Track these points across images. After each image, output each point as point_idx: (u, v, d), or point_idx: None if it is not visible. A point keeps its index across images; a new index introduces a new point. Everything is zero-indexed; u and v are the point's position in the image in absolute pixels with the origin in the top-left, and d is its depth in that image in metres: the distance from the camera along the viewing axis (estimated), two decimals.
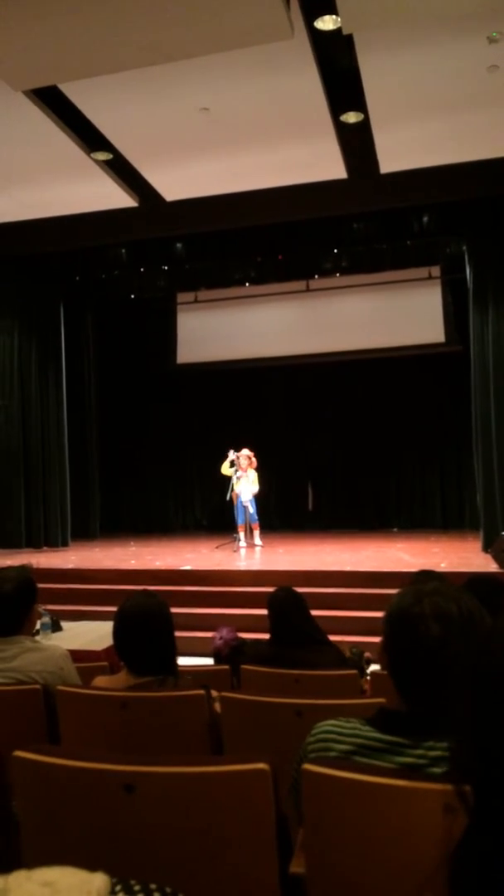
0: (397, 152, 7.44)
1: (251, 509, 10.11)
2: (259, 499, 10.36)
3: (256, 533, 10.25)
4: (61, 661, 2.64)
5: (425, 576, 3.39)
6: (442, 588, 1.39)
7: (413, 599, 1.37)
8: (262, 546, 10.08)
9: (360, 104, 6.60)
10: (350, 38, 5.56)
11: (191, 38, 5.13)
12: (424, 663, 1.32)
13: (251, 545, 10.09)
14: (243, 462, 10.12)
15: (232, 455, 10.12)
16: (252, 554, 9.66)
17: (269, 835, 1.35)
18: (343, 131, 7.12)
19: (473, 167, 7.70)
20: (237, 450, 10.25)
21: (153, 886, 0.79)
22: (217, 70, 5.86)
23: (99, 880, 0.64)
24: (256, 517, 10.23)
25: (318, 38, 5.66)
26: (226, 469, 10.16)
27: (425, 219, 9.41)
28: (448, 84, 6.20)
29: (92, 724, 2.27)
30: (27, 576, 2.66)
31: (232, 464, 10.20)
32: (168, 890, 0.80)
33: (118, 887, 0.76)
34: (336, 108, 6.72)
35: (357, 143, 7.34)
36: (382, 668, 1.43)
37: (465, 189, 8.27)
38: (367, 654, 3.84)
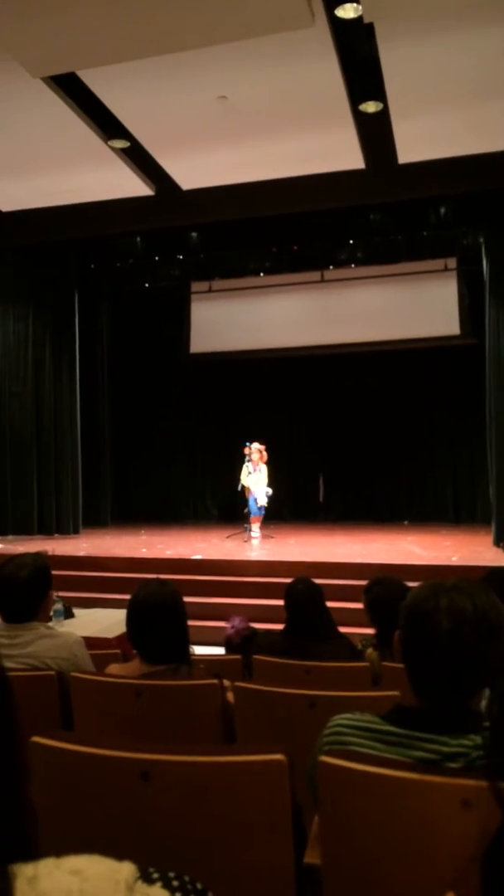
0: (416, 143, 7.37)
1: (263, 503, 10.13)
2: (270, 492, 10.35)
3: (256, 525, 10.26)
4: (75, 648, 2.65)
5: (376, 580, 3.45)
6: (461, 584, 1.39)
7: (429, 594, 1.38)
8: (259, 537, 10.07)
9: (379, 94, 6.55)
10: (371, 26, 5.51)
11: (210, 26, 5.10)
12: (434, 657, 1.33)
13: (264, 536, 10.09)
14: (255, 455, 10.12)
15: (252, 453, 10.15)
16: (263, 545, 9.67)
17: (284, 825, 1.36)
18: (361, 121, 7.07)
19: (492, 158, 7.63)
20: (248, 442, 10.25)
21: (171, 874, 0.80)
22: (235, 58, 5.82)
23: (126, 869, 0.65)
24: (263, 510, 10.24)
25: (338, 26, 5.61)
26: (245, 477, 10.19)
27: (442, 210, 9.34)
28: (469, 74, 6.14)
29: (106, 712, 2.29)
30: (43, 563, 2.67)
31: (243, 455, 10.22)
32: (186, 878, 0.81)
33: (137, 874, 0.76)
34: (355, 97, 6.67)
35: (375, 134, 7.29)
36: (398, 661, 1.44)
37: (483, 180, 8.19)
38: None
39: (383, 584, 3.35)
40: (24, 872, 0.62)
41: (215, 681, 2.26)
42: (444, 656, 1.31)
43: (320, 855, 1.35)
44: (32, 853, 0.66)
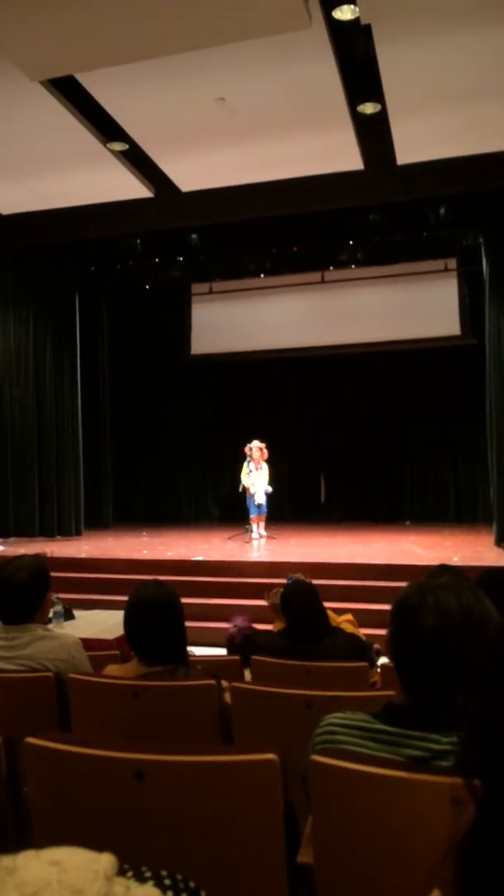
0: (414, 143, 7.37)
1: (262, 502, 10.12)
2: (270, 490, 10.36)
3: (262, 524, 10.26)
4: (73, 650, 2.66)
5: (441, 570, 3.40)
6: (449, 582, 1.40)
7: (415, 591, 1.39)
8: (263, 536, 10.08)
9: (377, 95, 6.55)
10: (368, 27, 5.51)
11: (208, 28, 5.11)
12: (419, 654, 1.34)
13: (269, 537, 10.09)
14: (255, 454, 10.11)
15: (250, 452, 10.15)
16: (264, 545, 9.67)
17: (276, 824, 1.37)
18: (360, 122, 7.07)
19: (491, 159, 7.62)
20: (248, 441, 10.25)
21: (164, 873, 0.80)
22: (234, 60, 5.83)
23: (105, 859, 0.66)
24: (266, 509, 10.24)
25: (335, 27, 5.61)
26: (245, 476, 10.19)
27: (442, 211, 9.34)
28: (467, 74, 6.14)
29: (103, 713, 2.29)
30: (41, 564, 2.68)
31: (244, 456, 10.21)
32: (179, 877, 0.82)
33: (129, 873, 0.77)
34: (353, 98, 6.66)
35: (374, 134, 7.29)
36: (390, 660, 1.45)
37: (483, 181, 8.18)
38: (376, 646, 3.84)
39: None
40: (3, 864, 0.63)
41: (212, 681, 2.26)
42: (429, 653, 1.32)
43: (313, 854, 1.35)
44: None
